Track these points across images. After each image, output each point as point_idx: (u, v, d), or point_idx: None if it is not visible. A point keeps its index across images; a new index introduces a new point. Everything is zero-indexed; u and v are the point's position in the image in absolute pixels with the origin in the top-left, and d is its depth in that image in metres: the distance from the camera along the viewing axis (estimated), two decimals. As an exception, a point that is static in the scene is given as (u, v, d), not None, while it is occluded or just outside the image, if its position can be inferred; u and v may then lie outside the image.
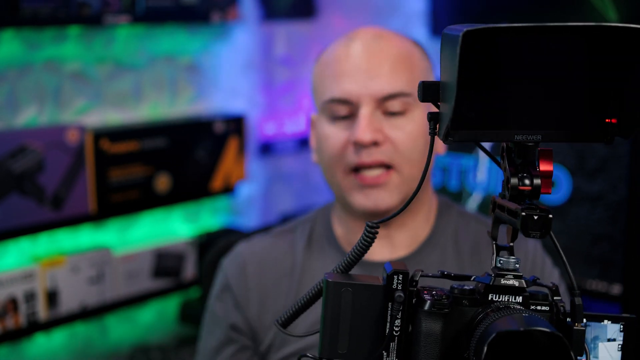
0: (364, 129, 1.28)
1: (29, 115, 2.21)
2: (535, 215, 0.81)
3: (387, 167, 1.31)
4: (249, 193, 2.82)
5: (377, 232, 0.91)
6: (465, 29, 0.77)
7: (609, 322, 0.92)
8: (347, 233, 1.41)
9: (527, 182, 0.84)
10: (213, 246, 1.74)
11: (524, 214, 0.81)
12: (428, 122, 0.86)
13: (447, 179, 2.49)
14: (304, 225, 1.47)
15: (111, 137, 2.28)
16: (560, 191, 2.11)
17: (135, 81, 2.45)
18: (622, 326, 0.91)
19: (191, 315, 2.56)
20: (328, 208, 1.48)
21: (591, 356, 0.92)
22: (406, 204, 0.90)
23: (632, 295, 1.86)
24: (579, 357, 0.87)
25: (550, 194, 0.85)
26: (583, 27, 0.80)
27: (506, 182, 0.87)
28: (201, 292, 1.72)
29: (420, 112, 1.33)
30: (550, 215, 0.81)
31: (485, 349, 0.80)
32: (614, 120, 0.84)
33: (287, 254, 1.44)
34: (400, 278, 0.89)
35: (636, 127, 0.83)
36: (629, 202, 1.85)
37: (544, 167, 0.85)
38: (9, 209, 2.08)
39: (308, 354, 0.93)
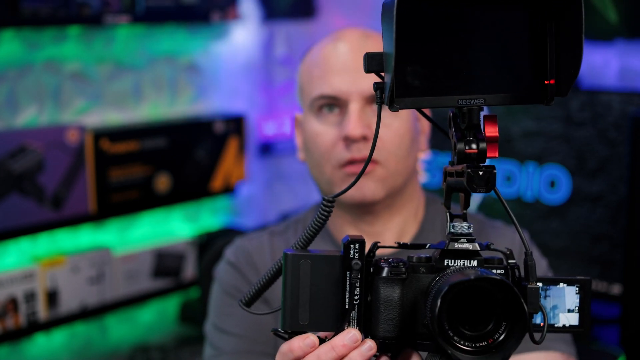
0: (354, 124, 1.30)
1: (29, 115, 2.21)
2: (480, 170, 0.84)
3: (374, 161, 1.33)
4: (249, 193, 2.82)
5: (332, 206, 0.93)
6: None
7: (565, 284, 0.94)
8: (340, 227, 1.42)
9: (473, 145, 0.86)
10: (213, 246, 1.74)
11: (469, 170, 0.84)
12: (374, 92, 0.88)
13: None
14: (295, 225, 1.48)
15: (111, 137, 2.28)
16: (560, 191, 2.11)
17: (135, 81, 2.45)
18: (577, 288, 0.94)
19: (191, 315, 2.56)
20: (317, 208, 1.49)
21: (552, 322, 0.95)
22: (363, 169, 0.91)
23: (632, 295, 1.85)
24: (535, 315, 0.91)
25: (497, 157, 0.87)
26: None
27: (453, 148, 0.89)
28: (201, 292, 1.72)
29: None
30: (495, 171, 0.84)
31: (439, 302, 0.82)
32: (552, 82, 0.87)
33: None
34: (357, 247, 0.91)
35: (571, 84, 0.85)
36: (629, 202, 1.85)
37: (489, 132, 0.87)
38: (9, 209, 2.08)
39: (278, 329, 0.94)
